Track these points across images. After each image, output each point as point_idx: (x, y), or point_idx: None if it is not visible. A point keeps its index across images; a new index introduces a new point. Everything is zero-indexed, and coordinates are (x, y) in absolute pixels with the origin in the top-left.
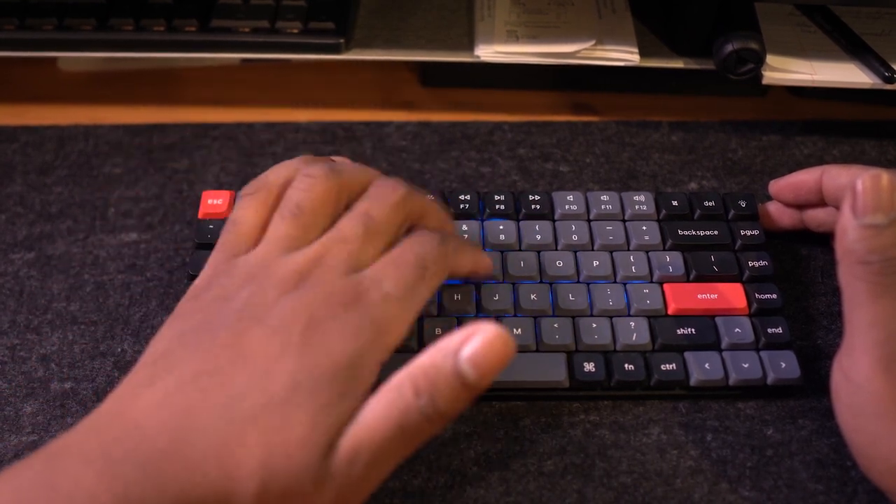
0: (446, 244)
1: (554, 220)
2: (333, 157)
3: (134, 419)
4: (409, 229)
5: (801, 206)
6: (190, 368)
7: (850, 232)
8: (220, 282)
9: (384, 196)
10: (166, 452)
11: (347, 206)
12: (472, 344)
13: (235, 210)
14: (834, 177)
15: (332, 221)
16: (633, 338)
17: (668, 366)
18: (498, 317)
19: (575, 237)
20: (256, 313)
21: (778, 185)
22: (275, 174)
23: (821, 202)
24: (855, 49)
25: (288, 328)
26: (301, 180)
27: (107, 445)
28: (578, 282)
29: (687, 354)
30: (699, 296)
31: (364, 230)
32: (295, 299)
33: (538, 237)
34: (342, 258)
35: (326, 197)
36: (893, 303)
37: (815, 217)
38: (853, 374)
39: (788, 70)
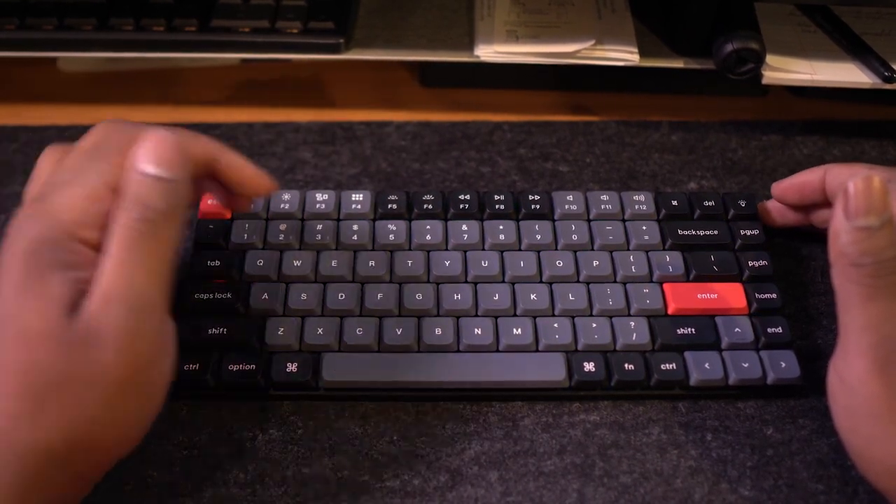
0: (132, 124)
1: (554, 220)
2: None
3: None
4: None
5: (805, 207)
6: None
7: (842, 234)
8: None
9: (90, 131)
10: None
11: None
12: (142, 150)
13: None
14: (837, 176)
15: None
16: (633, 338)
17: (667, 365)
18: (498, 317)
19: (575, 237)
20: None
21: (781, 187)
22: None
23: (825, 202)
24: (855, 49)
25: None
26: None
27: None
28: (578, 282)
29: (687, 354)
30: (699, 296)
31: (59, 158)
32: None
33: (538, 237)
34: (39, 185)
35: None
36: (886, 305)
37: (821, 216)
38: (848, 377)
39: (788, 70)
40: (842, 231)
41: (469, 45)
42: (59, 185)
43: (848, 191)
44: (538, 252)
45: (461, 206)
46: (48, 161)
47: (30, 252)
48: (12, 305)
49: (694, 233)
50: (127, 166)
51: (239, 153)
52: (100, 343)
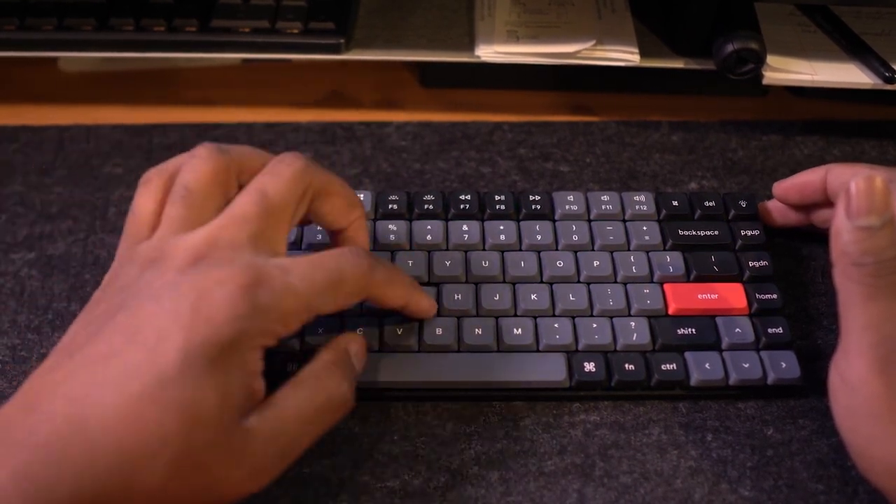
0: (374, 269)
1: (554, 221)
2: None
3: (33, 403)
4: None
5: (806, 207)
6: (87, 353)
7: (843, 234)
8: (124, 270)
9: (280, 170)
10: (63, 434)
11: (241, 187)
12: (353, 345)
13: (134, 200)
14: (838, 175)
15: (227, 200)
16: (634, 338)
17: (668, 366)
18: (498, 317)
19: (575, 237)
20: (153, 293)
21: (783, 187)
22: (170, 162)
23: (826, 201)
24: (855, 49)
25: (178, 302)
26: (189, 163)
27: (8, 431)
28: (579, 282)
29: (687, 354)
30: (699, 296)
31: (260, 207)
32: (191, 276)
33: (538, 237)
34: (241, 237)
35: (214, 176)
36: (888, 305)
37: (822, 216)
38: (849, 377)
39: (789, 70)
40: (843, 230)
41: (469, 46)
42: (290, 288)
43: (850, 190)
44: (539, 252)
45: (462, 207)
46: (214, 179)
47: (233, 333)
48: (197, 367)
49: (694, 233)
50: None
51: (393, 278)
52: (245, 462)
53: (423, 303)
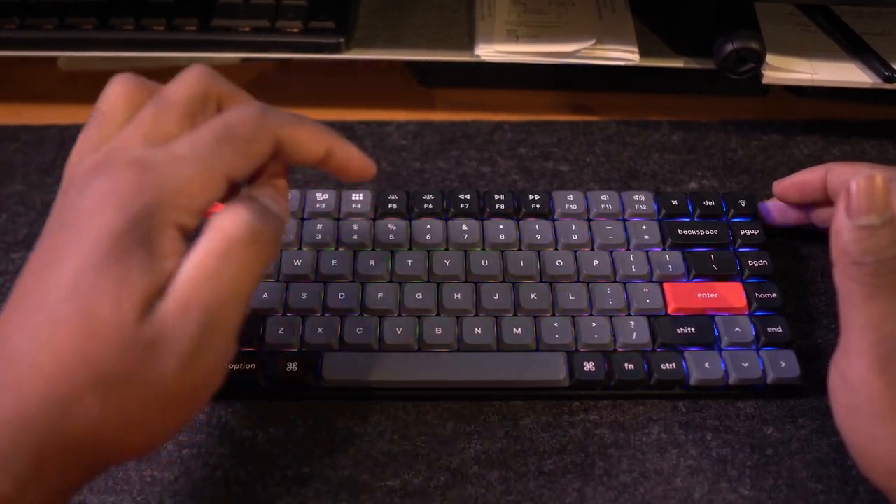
0: (267, 111)
1: (554, 220)
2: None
3: None
4: None
5: (806, 206)
6: (16, 294)
7: (844, 233)
8: (67, 191)
9: (181, 77)
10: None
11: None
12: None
13: (103, 96)
14: (839, 174)
15: (206, 116)
16: (633, 337)
17: (667, 365)
18: (498, 316)
19: (575, 236)
20: (60, 218)
21: (783, 186)
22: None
23: (826, 200)
24: (855, 48)
25: (78, 216)
26: (180, 73)
27: None
28: (578, 281)
29: (686, 354)
30: (699, 295)
31: (155, 107)
32: (85, 190)
33: (538, 236)
34: (134, 140)
35: (198, 88)
36: (888, 304)
37: (822, 214)
38: (849, 376)
39: (789, 69)
40: (843, 229)
41: (469, 45)
42: (177, 158)
43: (850, 189)
44: (538, 251)
45: (461, 206)
46: (125, 99)
47: (125, 223)
48: (87, 279)
49: (694, 232)
50: (260, 182)
51: (345, 140)
52: (165, 352)
53: (350, 150)
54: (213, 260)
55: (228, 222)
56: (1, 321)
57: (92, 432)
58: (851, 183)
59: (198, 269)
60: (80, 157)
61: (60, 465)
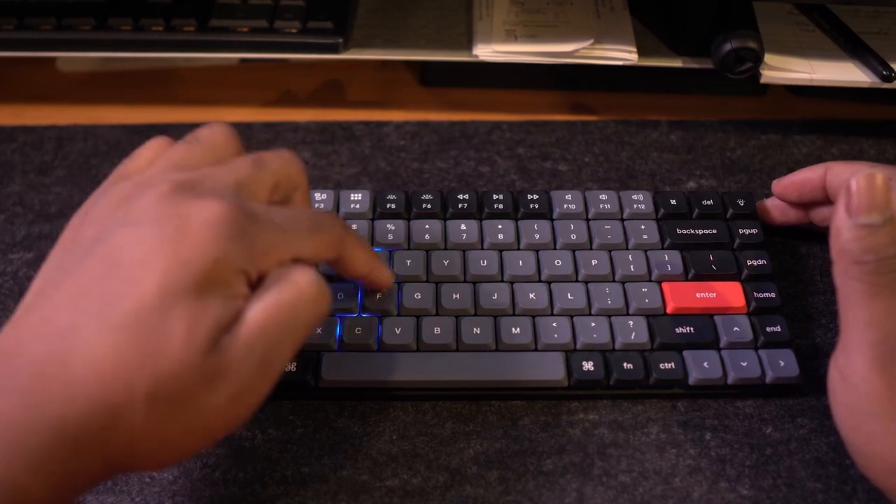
0: (347, 229)
1: (552, 220)
2: None
3: (11, 348)
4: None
5: (805, 205)
6: (65, 290)
7: (844, 232)
8: (98, 204)
9: (281, 152)
10: (43, 375)
11: None
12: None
13: (136, 151)
14: (838, 173)
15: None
16: (632, 337)
17: (666, 365)
18: (496, 316)
19: (573, 236)
20: (132, 220)
21: (782, 185)
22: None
23: (826, 199)
24: (853, 48)
25: (159, 227)
26: (206, 126)
27: None
28: (577, 281)
29: (686, 353)
30: (698, 295)
31: (254, 167)
32: (173, 203)
33: (537, 236)
34: (228, 180)
35: (227, 136)
36: (888, 302)
37: (821, 213)
38: (849, 374)
39: (787, 69)
40: (844, 228)
41: (468, 45)
42: (274, 222)
43: (850, 188)
44: (537, 251)
45: (460, 206)
46: (232, 153)
47: (220, 256)
48: (167, 298)
49: (693, 232)
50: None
51: (362, 244)
52: (223, 384)
53: (384, 274)
54: (282, 308)
55: (302, 278)
56: (47, 304)
57: (129, 443)
58: (852, 181)
59: (267, 313)
60: (163, 165)
61: (89, 468)
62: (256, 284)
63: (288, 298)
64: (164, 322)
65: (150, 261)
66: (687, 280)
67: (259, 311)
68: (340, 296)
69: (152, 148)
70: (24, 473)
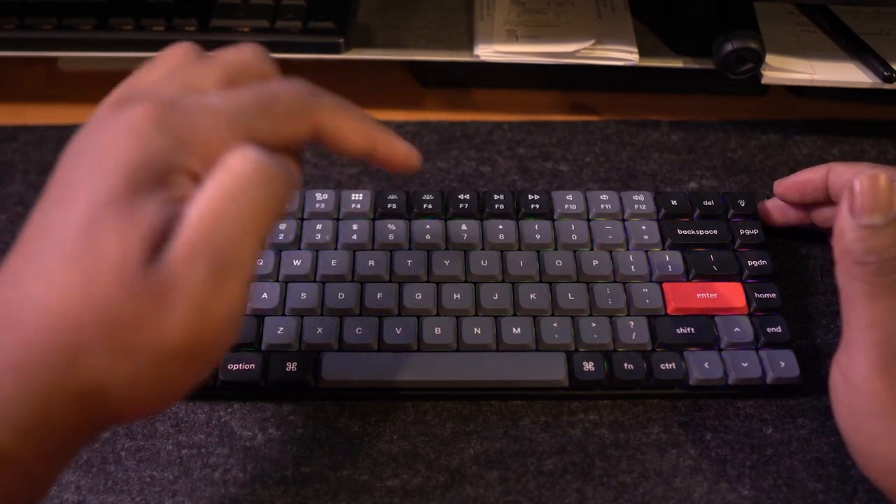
0: (318, 93)
1: (553, 220)
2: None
3: None
4: None
5: (806, 206)
6: (26, 233)
7: (847, 232)
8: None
9: (237, 45)
10: (5, 325)
11: None
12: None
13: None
14: (840, 174)
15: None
16: (633, 337)
17: (667, 365)
18: (497, 316)
19: (574, 236)
20: (79, 148)
21: (784, 185)
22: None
23: (827, 200)
24: (854, 48)
25: (95, 147)
26: (234, 46)
27: None
28: (578, 281)
29: (686, 354)
30: (698, 295)
31: (199, 63)
32: (107, 115)
33: (537, 236)
34: (168, 82)
35: (255, 56)
36: (891, 303)
37: (822, 214)
38: (851, 375)
39: (788, 69)
40: (847, 229)
41: (469, 45)
42: (207, 106)
43: (854, 188)
44: (538, 251)
45: (461, 206)
46: (184, 60)
47: (141, 157)
48: (95, 213)
49: (693, 232)
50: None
51: (389, 132)
52: (174, 298)
53: (394, 144)
54: (220, 199)
55: (237, 160)
56: (12, 255)
57: (98, 384)
58: (855, 182)
59: (205, 209)
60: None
61: (64, 417)
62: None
63: (225, 186)
64: (94, 242)
65: (78, 181)
66: (688, 280)
67: (195, 208)
68: (341, 295)
69: (167, 60)
70: (3, 433)
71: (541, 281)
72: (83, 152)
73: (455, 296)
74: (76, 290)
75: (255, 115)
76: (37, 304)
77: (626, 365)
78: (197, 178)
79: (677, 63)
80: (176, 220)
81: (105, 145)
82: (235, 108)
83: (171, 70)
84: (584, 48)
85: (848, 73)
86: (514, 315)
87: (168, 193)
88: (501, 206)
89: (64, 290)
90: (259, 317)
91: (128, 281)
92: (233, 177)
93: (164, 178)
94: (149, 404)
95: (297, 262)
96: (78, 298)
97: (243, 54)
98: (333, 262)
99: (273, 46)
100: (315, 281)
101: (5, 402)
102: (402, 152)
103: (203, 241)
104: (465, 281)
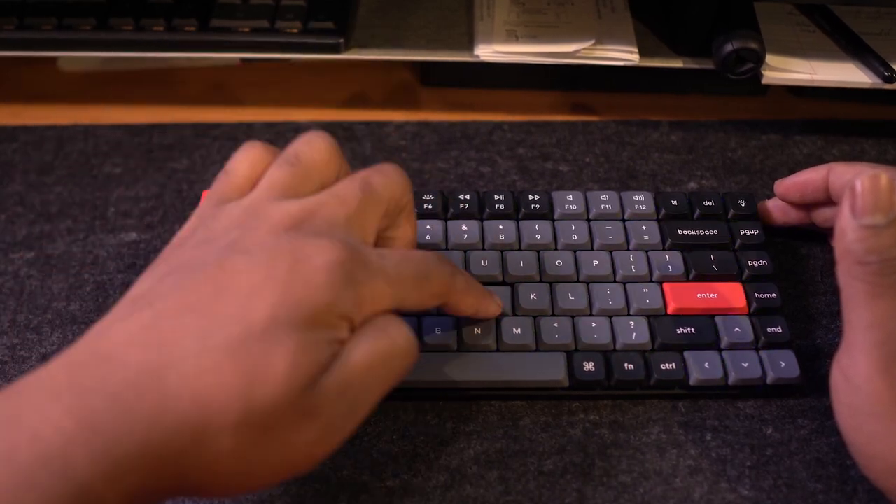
0: (456, 276)
1: (553, 220)
2: None
3: (106, 351)
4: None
5: (807, 206)
6: (170, 303)
7: (848, 232)
8: (207, 224)
9: (387, 170)
10: (137, 384)
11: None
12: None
13: (230, 160)
14: (841, 174)
15: (331, 182)
16: (633, 337)
17: (667, 365)
18: (498, 316)
19: (574, 237)
20: (245, 248)
21: (784, 185)
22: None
23: (828, 200)
24: (854, 49)
25: (274, 261)
26: (303, 137)
27: (76, 378)
28: (578, 281)
29: (686, 354)
30: (699, 295)
31: (363, 195)
32: (288, 238)
33: (538, 237)
34: (338, 215)
35: (329, 154)
36: (892, 303)
37: (823, 214)
38: (852, 375)
39: (788, 70)
40: (848, 229)
41: (469, 45)
42: (386, 273)
43: (855, 188)
44: (538, 252)
45: (461, 206)
46: (334, 170)
47: (332, 298)
48: (272, 328)
49: (694, 232)
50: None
51: (469, 288)
52: (314, 423)
53: (490, 308)
54: (375, 358)
55: (398, 333)
56: (147, 315)
57: (211, 467)
58: (856, 182)
59: (362, 362)
60: (270, 191)
61: (166, 488)
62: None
63: (384, 349)
64: (268, 353)
65: (261, 291)
66: (688, 281)
67: (356, 357)
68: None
69: (249, 161)
70: (102, 482)
71: (541, 281)
72: (264, 264)
73: None
74: (232, 383)
75: (412, 288)
76: (186, 378)
77: (626, 365)
78: (353, 326)
79: (677, 63)
80: (335, 359)
81: (296, 273)
82: (401, 280)
83: (330, 190)
84: (584, 48)
85: (848, 74)
86: (515, 315)
87: (334, 335)
88: (501, 207)
89: (220, 380)
90: None
91: (288, 397)
92: (390, 345)
93: (336, 321)
94: (238, 492)
95: None
96: (231, 393)
97: (395, 188)
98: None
99: (273, 46)
100: None
101: (121, 462)
102: (493, 313)
103: (352, 387)
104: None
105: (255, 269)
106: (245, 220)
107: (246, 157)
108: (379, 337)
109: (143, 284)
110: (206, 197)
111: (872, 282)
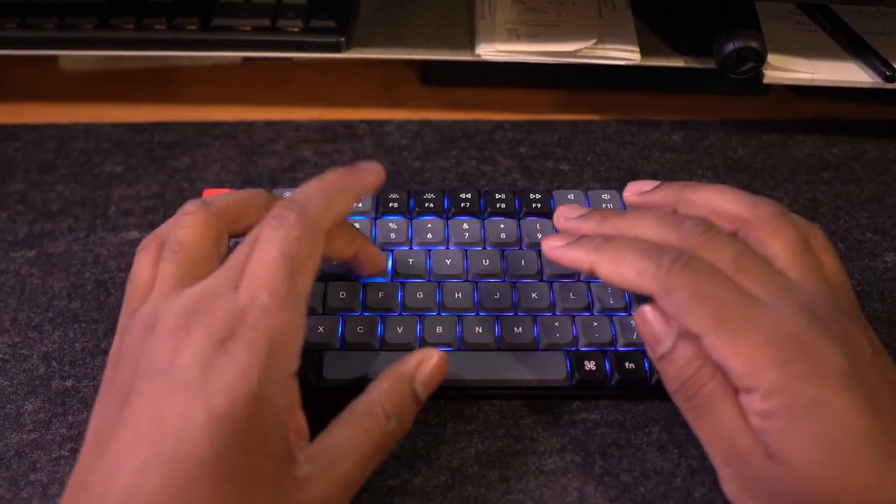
0: (305, 214)
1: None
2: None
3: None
4: None
5: None
6: (119, 443)
7: (658, 370)
8: (125, 341)
9: (274, 224)
10: None
11: (241, 234)
12: (424, 369)
13: (132, 268)
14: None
15: (221, 252)
16: (634, 336)
17: None
18: (498, 315)
19: None
20: (159, 368)
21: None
22: (163, 226)
23: None
24: (855, 48)
25: (186, 375)
26: (178, 219)
27: None
28: (579, 280)
29: None
30: None
31: (240, 303)
32: (186, 348)
33: (539, 235)
34: (224, 284)
35: (204, 229)
36: (709, 423)
37: None
38: (727, 493)
39: (789, 69)
40: (657, 368)
41: (470, 44)
42: (267, 308)
43: (638, 331)
44: (539, 250)
45: (462, 205)
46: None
47: (250, 379)
48: (229, 440)
49: None
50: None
51: (368, 240)
52: (308, 489)
53: (373, 253)
54: (370, 455)
55: (395, 433)
56: (102, 464)
57: None
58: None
59: (349, 454)
60: (165, 287)
61: None
62: None
63: (376, 444)
64: (231, 463)
65: (190, 413)
66: None
67: (345, 448)
68: (342, 294)
69: (148, 260)
70: None
71: (542, 280)
72: (169, 371)
73: (456, 294)
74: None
75: (296, 281)
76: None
77: (627, 364)
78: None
79: (678, 62)
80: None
81: (201, 369)
82: (285, 295)
83: (208, 283)
84: (586, 47)
85: (849, 73)
86: (515, 314)
87: (279, 399)
88: (503, 205)
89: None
90: None
91: (268, 486)
92: (382, 443)
93: (267, 388)
94: None
95: None
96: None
97: (197, 228)
98: (335, 261)
99: (274, 45)
100: (316, 280)
101: None
102: (378, 259)
103: (338, 480)
104: (467, 280)
105: (173, 389)
106: (150, 328)
107: (145, 258)
108: (368, 431)
109: (95, 421)
110: (123, 307)
111: (686, 408)
